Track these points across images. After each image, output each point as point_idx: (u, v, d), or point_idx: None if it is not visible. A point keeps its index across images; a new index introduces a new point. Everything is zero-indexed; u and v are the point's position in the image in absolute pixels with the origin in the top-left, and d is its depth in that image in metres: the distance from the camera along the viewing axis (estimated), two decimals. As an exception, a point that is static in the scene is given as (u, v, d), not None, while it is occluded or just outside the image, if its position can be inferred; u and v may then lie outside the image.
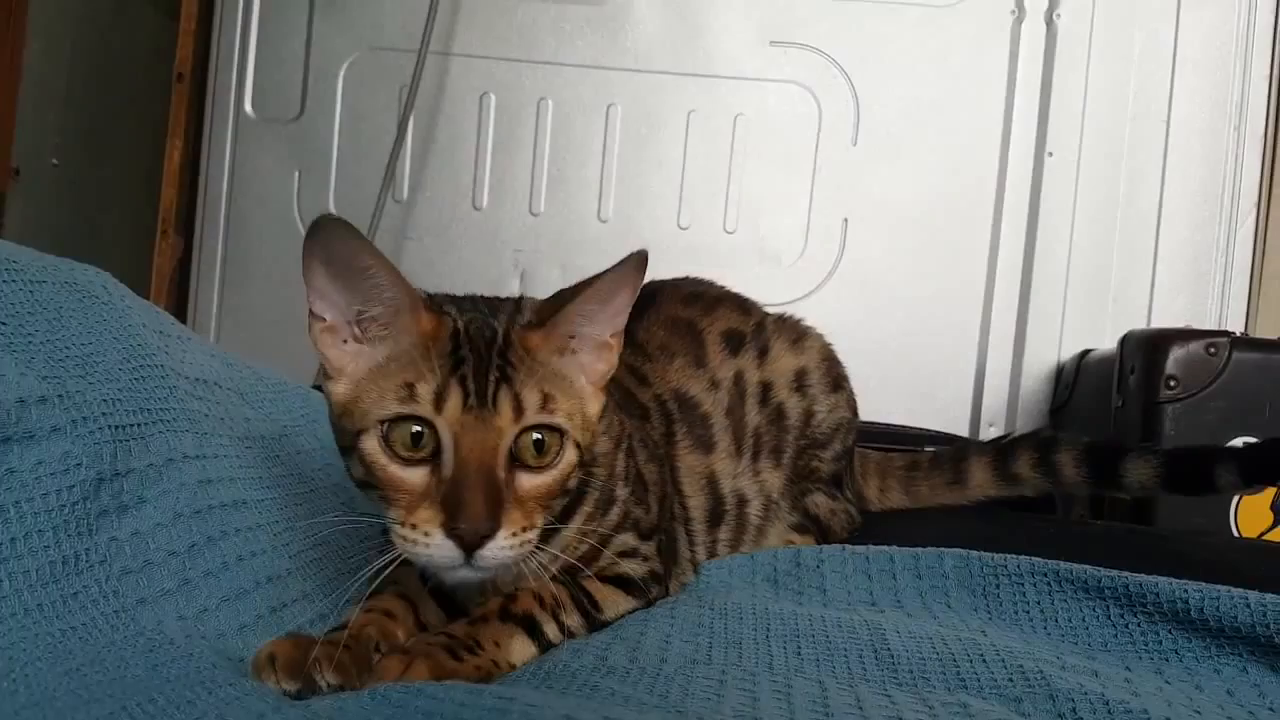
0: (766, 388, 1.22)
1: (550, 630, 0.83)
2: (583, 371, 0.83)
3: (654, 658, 0.74)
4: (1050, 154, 2.01)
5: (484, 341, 0.76)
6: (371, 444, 0.74)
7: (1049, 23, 2.01)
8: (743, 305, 1.29)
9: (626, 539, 0.94)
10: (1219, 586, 0.83)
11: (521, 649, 0.81)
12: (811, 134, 2.04)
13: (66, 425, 0.70)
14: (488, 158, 2.07)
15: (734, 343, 1.22)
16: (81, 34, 2.07)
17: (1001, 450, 1.34)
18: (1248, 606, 0.79)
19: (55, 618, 0.63)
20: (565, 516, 0.87)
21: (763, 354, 1.23)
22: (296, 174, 2.09)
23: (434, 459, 0.73)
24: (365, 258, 0.75)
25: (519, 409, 0.74)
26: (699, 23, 2.04)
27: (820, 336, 1.29)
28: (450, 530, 0.71)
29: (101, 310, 0.84)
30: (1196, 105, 1.99)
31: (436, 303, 0.80)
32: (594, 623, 0.88)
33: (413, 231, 2.09)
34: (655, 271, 2.09)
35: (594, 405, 0.83)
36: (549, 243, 2.04)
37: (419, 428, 0.73)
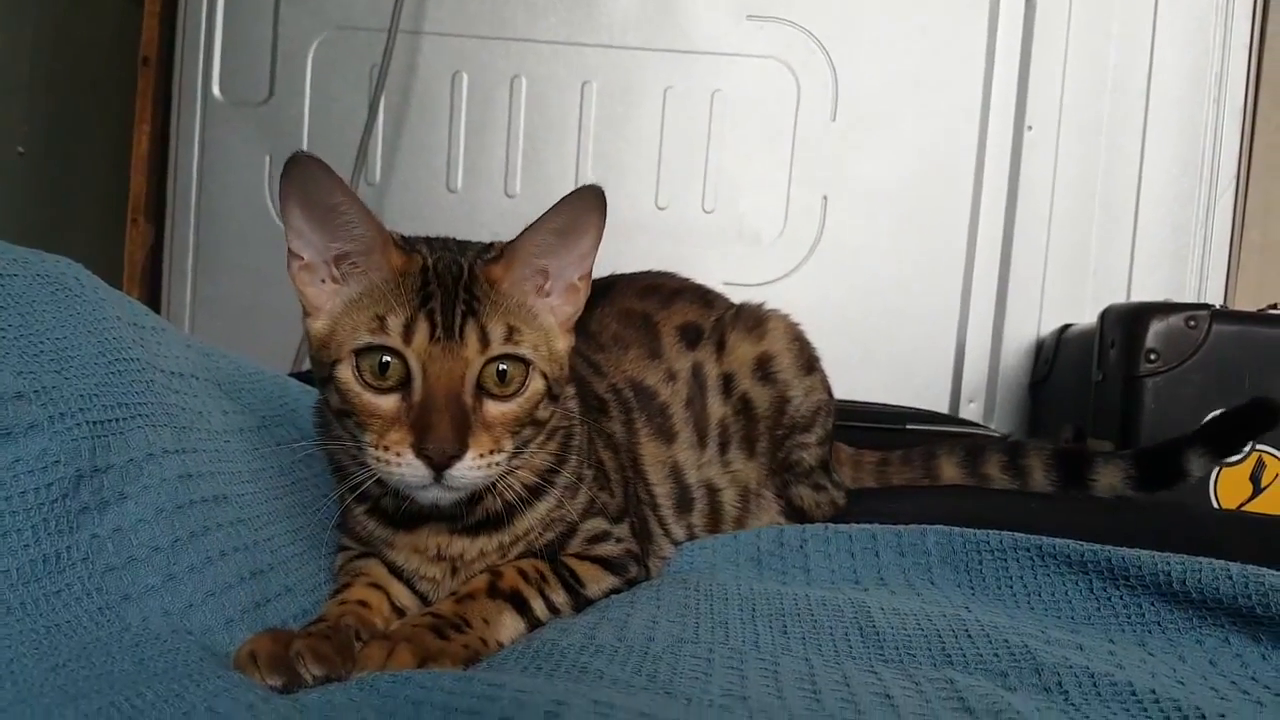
0: (728, 379, 1.20)
1: (538, 606, 0.85)
2: (551, 311, 0.87)
3: (641, 637, 0.74)
4: (1030, 128, 2.01)
5: (451, 277, 0.81)
6: (346, 373, 0.79)
7: (1027, -5, 2.01)
8: (705, 298, 1.27)
9: (597, 523, 0.95)
10: (1200, 559, 0.84)
11: (511, 626, 0.82)
12: (790, 110, 2.03)
13: (44, 422, 0.69)
14: (461, 138, 2.05)
15: (691, 336, 1.21)
16: (44, 19, 2.02)
17: (971, 451, 1.35)
18: (1229, 578, 0.80)
19: (39, 615, 0.63)
20: (539, 494, 0.89)
21: (720, 346, 1.21)
22: (267, 158, 2.06)
23: (403, 387, 0.78)
24: (338, 194, 0.79)
25: (485, 340, 0.79)
26: (675, -3, 2.02)
27: (784, 319, 1.25)
28: (419, 450, 0.76)
29: (75, 303, 0.82)
30: (1176, 78, 2.00)
31: (409, 242, 0.85)
32: (579, 599, 0.89)
33: (387, 215, 2.06)
34: (634, 251, 2.09)
35: (561, 342, 0.88)
36: (526, 224, 2.02)
37: (387, 358, 0.78)
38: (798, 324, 1.25)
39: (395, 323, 0.78)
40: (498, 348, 0.80)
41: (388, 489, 0.84)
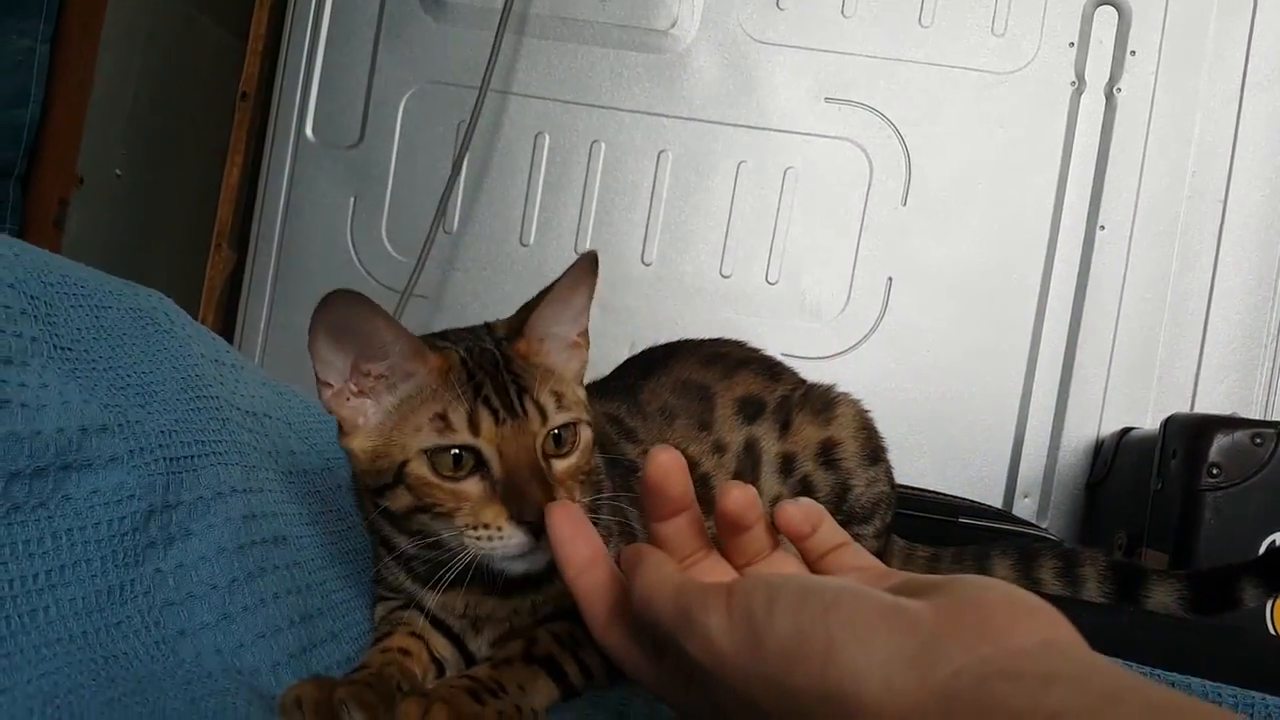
0: (788, 459, 1.19)
1: (572, 671, 0.84)
2: (569, 368, 0.91)
3: (671, 714, 0.74)
4: (1102, 227, 2.00)
5: (490, 363, 0.84)
6: (421, 468, 0.79)
7: (1109, 96, 2.01)
8: (771, 371, 1.26)
9: None
10: (1253, 693, 0.82)
11: (545, 692, 0.82)
12: (861, 191, 2.05)
13: (124, 455, 0.72)
14: (538, 196, 2.10)
15: (750, 410, 1.20)
16: (151, 49, 2.13)
17: (1025, 554, 1.32)
18: (1283, 718, 0.78)
19: (99, 645, 0.65)
20: None
21: (785, 426, 1.20)
22: (352, 199, 2.13)
23: (479, 469, 0.79)
24: (377, 320, 0.80)
25: (543, 414, 0.82)
26: (755, 75, 2.06)
27: (854, 404, 1.23)
28: (519, 519, 0.77)
29: (163, 338, 0.86)
30: (1255, 189, 1.98)
31: (431, 343, 0.86)
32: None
33: (460, 264, 2.11)
34: (696, 316, 2.12)
35: (581, 392, 0.91)
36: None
37: (457, 451, 0.79)
38: (867, 411, 1.24)
39: (459, 418, 0.79)
40: (556, 417, 0.83)
41: (427, 559, 0.85)
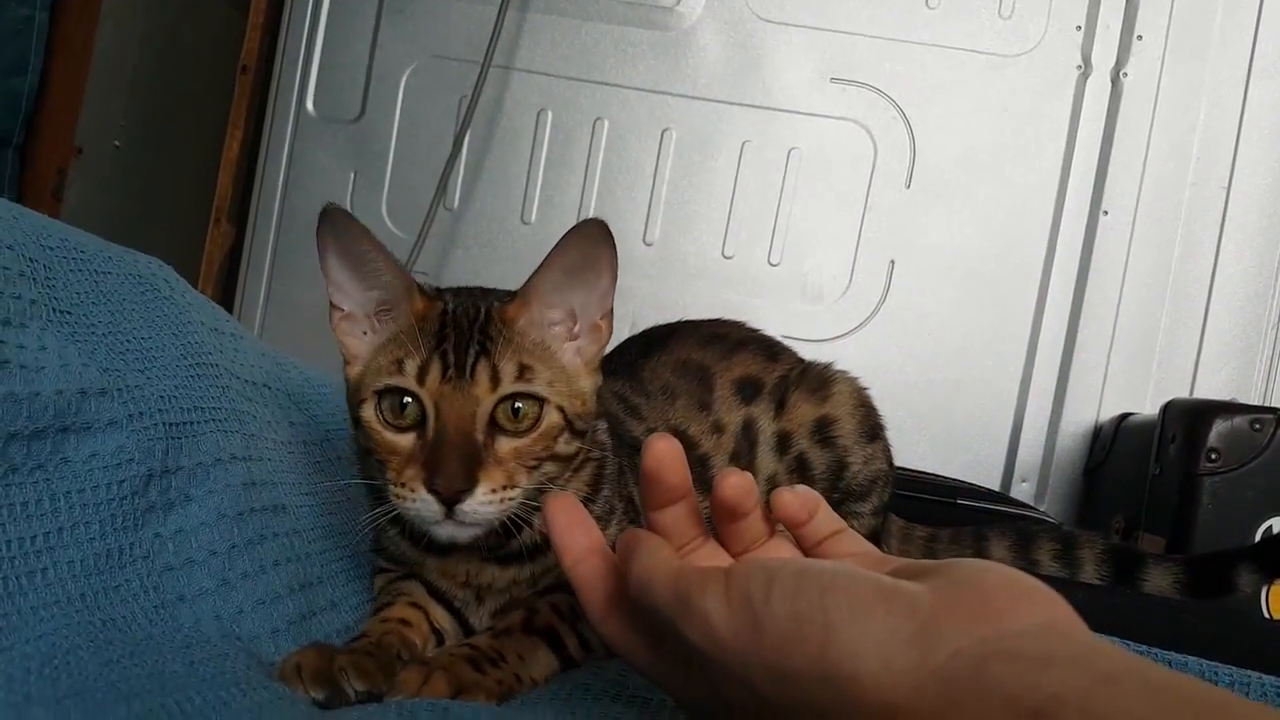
0: (784, 438, 1.19)
1: (571, 643, 0.85)
2: (577, 352, 0.88)
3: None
4: (1105, 212, 2.00)
5: (467, 320, 0.83)
6: (369, 412, 0.81)
7: (1115, 81, 2.00)
8: (770, 351, 1.25)
9: None
10: (1250, 672, 0.82)
11: (545, 662, 0.82)
12: (865, 173, 2.04)
13: (123, 419, 0.71)
14: (540, 173, 2.09)
15: (748, 390, 1.19)
16: (152, 21, 2.11)
17: (1023, 535, 1.33)
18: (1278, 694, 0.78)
19: (97, 609, 0.65)
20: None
21: (780, 405, 1.19)
22: (352, 174, 2.12)
23: (420, 426, 0.80)
24: (365, 244, 0.82)
25: (495, 379, 0.80)
26: (761, 54, 2.05)
27: (851, 382, 1.23)
28: (430, 486, 0.77)
29: (163, 305, 0.86)
30: (1259, 177, 1.97)
31: (435, 290, 0.87)
32: None
33: (461, 241, 2.11)
34: (697, 296, 2.10)
35: (585, 381, 0.88)
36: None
37: (406, 398, 0.80)
38: (865, 389, 1.23)
39: (411, 365, 0.80)
40: (509, 386, 0.80)
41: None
